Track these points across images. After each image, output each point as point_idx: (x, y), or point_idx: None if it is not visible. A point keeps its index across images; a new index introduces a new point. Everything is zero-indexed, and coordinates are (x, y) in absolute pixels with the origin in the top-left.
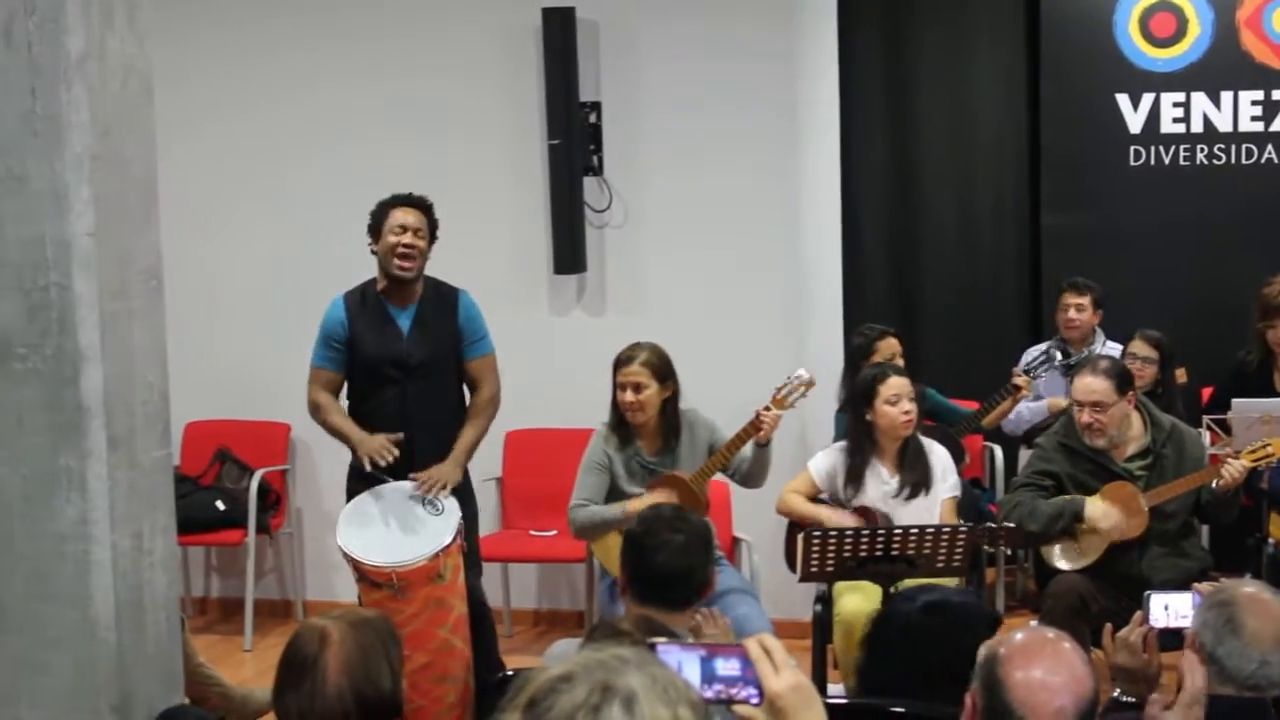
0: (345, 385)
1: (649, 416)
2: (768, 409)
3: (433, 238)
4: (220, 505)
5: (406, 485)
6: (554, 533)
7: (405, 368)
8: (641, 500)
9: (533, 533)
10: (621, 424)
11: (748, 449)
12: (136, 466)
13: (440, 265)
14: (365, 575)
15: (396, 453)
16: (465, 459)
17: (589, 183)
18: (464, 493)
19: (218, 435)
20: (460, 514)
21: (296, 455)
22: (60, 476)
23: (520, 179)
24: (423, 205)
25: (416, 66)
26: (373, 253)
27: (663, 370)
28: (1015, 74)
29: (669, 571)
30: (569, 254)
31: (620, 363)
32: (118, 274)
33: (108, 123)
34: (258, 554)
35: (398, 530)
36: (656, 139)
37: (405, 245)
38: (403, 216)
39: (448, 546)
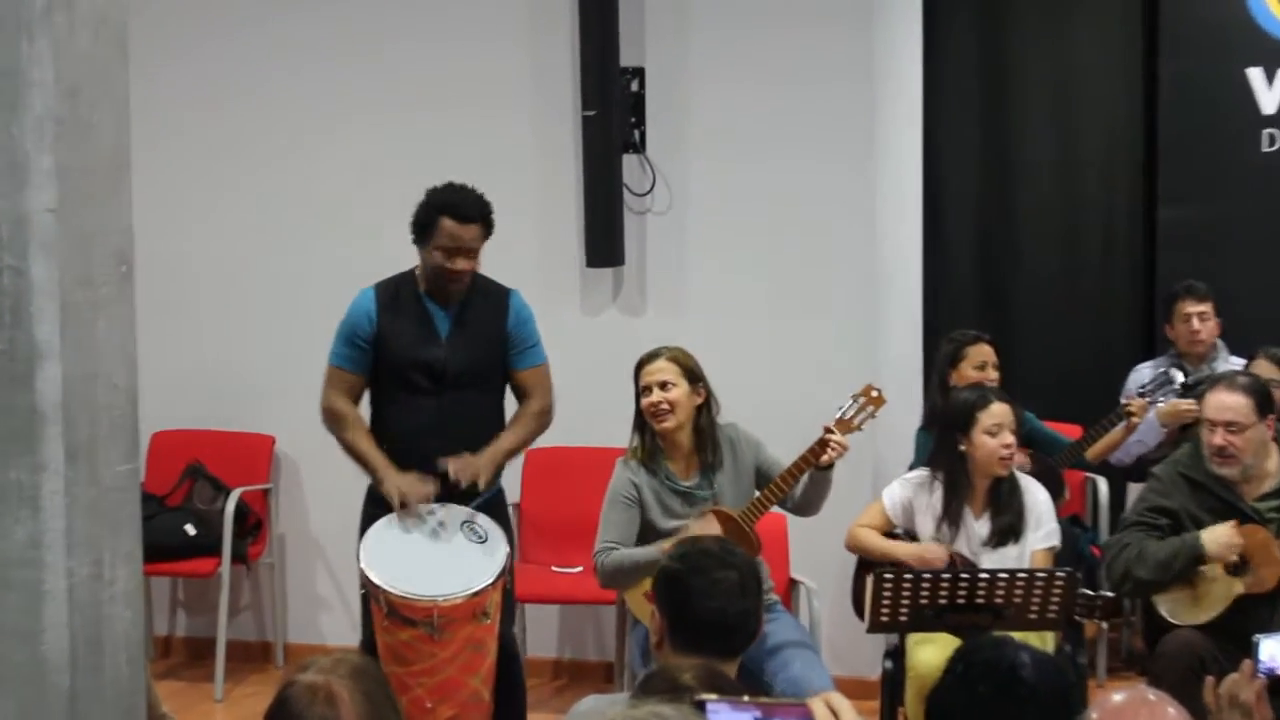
0: (367, 391)
1: (680, 423)
2: (831, 432)
3: (486, 237)
4: (190, 529)
5: (442, 508)
6: (579, 569)
7: (440, 377)
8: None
9: (555, 569)
10: (648, 443)
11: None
12: (98, 482)
13: None
14: (396, 610)
15: (432, 496)
16: (502, 461)
17: (628, 161)
18: (500, 515)
19: (189, 447)
20: (507, 542)
21: (281, 473)
22: (9, 492)
23: (548, 157)
24: (484, 218)
25: (427, 28)
26: (414, 242)
27: (692, 371)
28: (1129, 48)
29: (724, 617)
30: (604, 244)
31: (641, 363)
32: (82, 257)
33: (75, 82)
34: (233, 587)
35: (436, 558)
36: (708, 111)
37: (458, 271)
38: (461, 231)
39: (495, 580)
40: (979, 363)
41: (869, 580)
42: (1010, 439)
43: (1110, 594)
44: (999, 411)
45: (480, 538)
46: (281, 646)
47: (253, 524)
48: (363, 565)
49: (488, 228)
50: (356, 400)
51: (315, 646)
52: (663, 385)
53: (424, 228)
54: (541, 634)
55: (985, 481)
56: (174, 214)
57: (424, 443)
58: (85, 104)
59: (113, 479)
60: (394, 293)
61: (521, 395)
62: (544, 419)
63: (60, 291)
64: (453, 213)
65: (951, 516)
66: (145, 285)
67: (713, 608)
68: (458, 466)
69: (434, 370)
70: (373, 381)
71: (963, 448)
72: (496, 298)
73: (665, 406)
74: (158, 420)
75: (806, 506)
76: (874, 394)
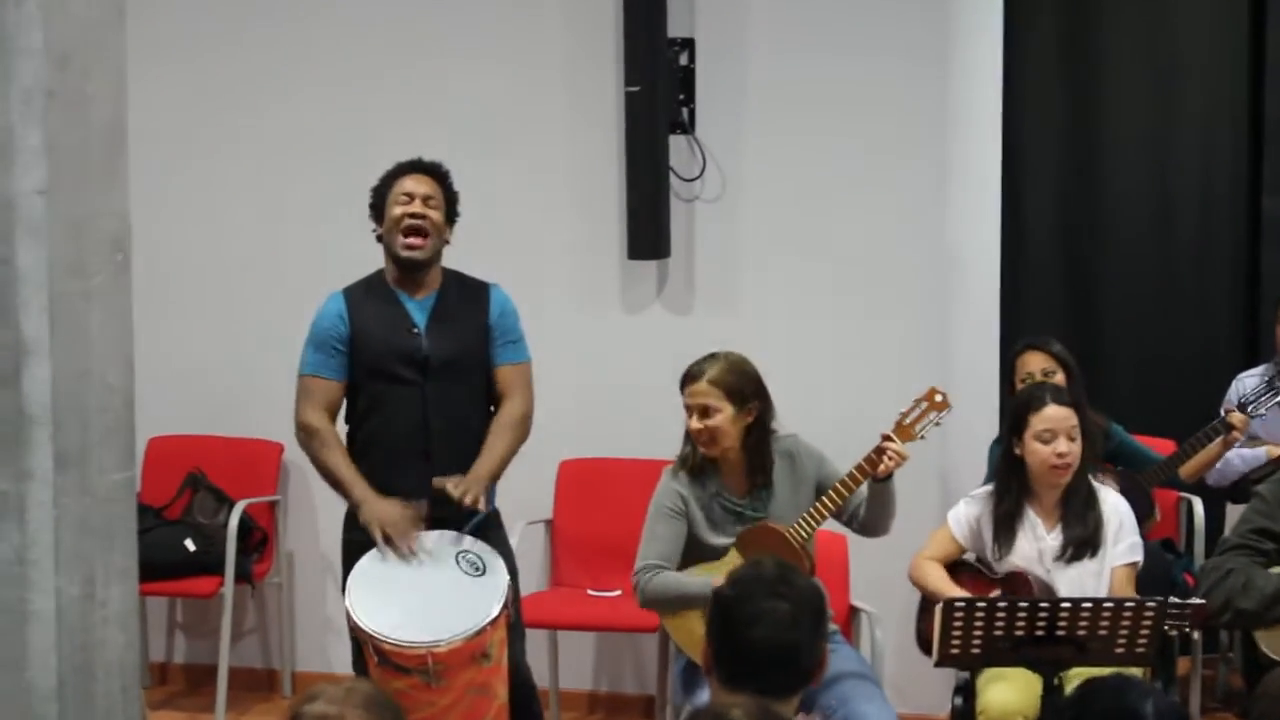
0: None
1: (725, 448)
2: (891, 438)
3: (451, 215)
4: (190, 545)
5: (433, 536)
6: (618, 593)
7: (423, 368)
8: (726, 568)
9: (591, 592)
10: (699, 454)
11: (864, 486)
12: (90, 492)
13: (483, 248)
14: (388, 658)
15: (419, 526)
16: (491, 478)
17: (676, 143)
18: (497, 538)
19: (189, 455)
20: (507, 573)
21: (289, 484)
22: None
23: (587, 137)
24: (436, 172)
25: None
26: (379, 239)
27: (740, 389)
28: (1233, 16)
29: (768, 649)
30: (648, 235)
31: (685, 379)
32: (74, 244)
33: (67, 49)
34: (236, 609)
35: (428, 597)
36: (764, 88)
37: (413, 216)
38: (411, 184)
39: (495, 618)
40: (1025, 374)
41: (938, 609)
42: (1065, 448)
43: (1200, 600)
44: (1053, 415)
45: (477, 569)
46: (289, 675)
47: (258, 540)
48: (348, 607)
49: (445, 189)
50: (334, 414)
51: (325, 675)
52: (703, 411)
53: (380, 199)
54: (576, 664)
55: (1052, 490)
56: (175, 199)
57: (414, 438)
58: (78, 74)
59: (106, 489)
60: (364, 290)
61: (499, 396)
62: (525, 426)
63: (50, 282)
64: (401, 171)
65: (1003, 529)
66: (143, 276)
67: (756, 638)
68: (460, 485)
69: (415, 359)
70: (350, 385)
71: (1018, 451)
72: (475, 290)
73: (705, 435)
74: (155, 425)
75: (872, 525)
76: (938, 398)
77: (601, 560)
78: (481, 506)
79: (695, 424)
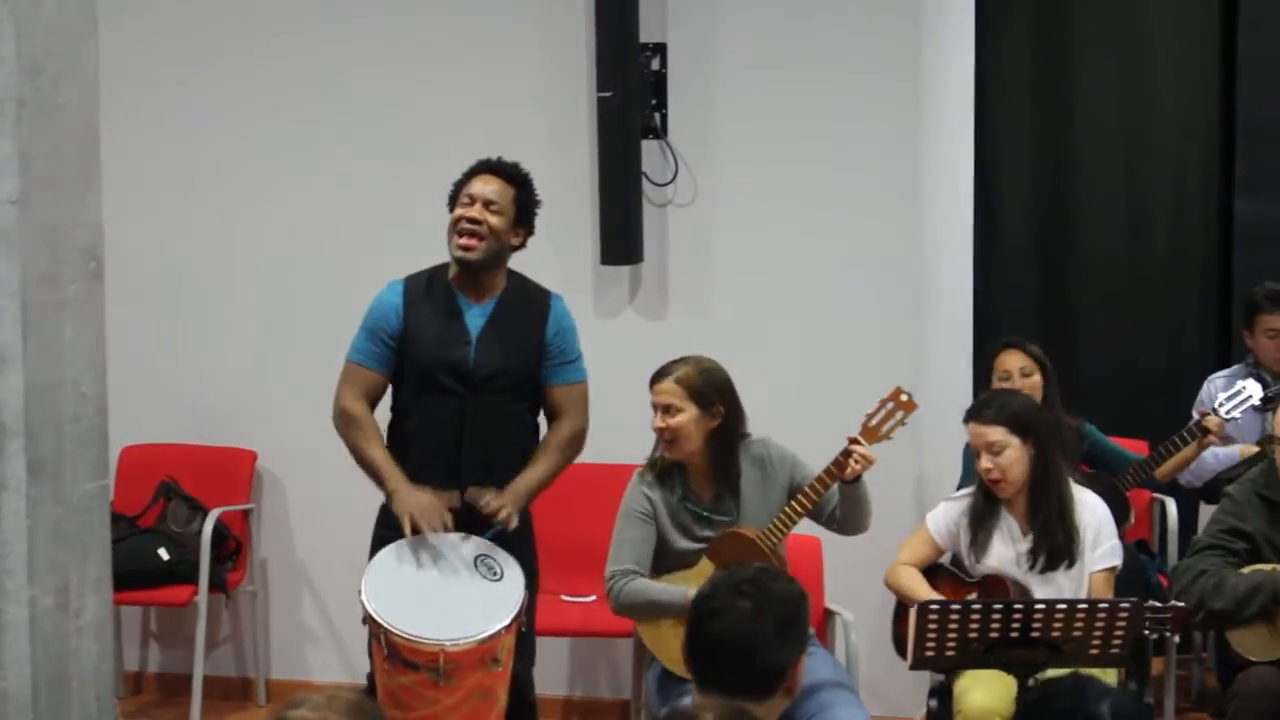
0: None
1: (688, 452)
2: (857, 441)
3: (523, 220)
4: (164, 554)
5: (453, 538)
6: (592, 598)
7: (467, 379)
8: (699, 576)
9: (565, 598)
10: (665, 458)
11: (835, 488)
12: (64, 502)
13: None
14: (398, 652)
15: (449, 525)
16: (527, 500)
17: (648, 148)
18: (524, 550)
19: (163, 463)
20: (525, 581)
21: (263, 492)
22: None
23: (559, 143)
24: (510, 175)
25: (425, 1)
26: None
27: (704, 392)
28: (1206, 20)
29: (722, 642)
30: (621, 240)
31: (653, 378)
32: (47, 253)
33: (39, 58)
34: (210, 617)
35: (445, 597)
36: (737, 93)
37: (470, 220)
38: (479, 186)
39: (509, 624)
40: (1002, 373)
41: (912, 611)
42: (987, 464)
43: (1180, 604)
44: (971, 431)
45: (495, 575)
46: (264, 683)
47: (232, 548)
48: (363, 597)
49: (520, 191)
50: (375, 403)
51: (301, 683)
52: (666, 409)
53: (455, 194)
54: (551, 670)
55: (1020, 498)
56: (146, 206)
57: (445, 450)
58: (50, 83)
59: (80, 498)
60: (425, 285)
61: (552, 414)
62: (575, 446)
63: (22, 291)
64: (475, 170)
65: (979, 530)
66: (116, 285)
67: (711, 629)
68: (498, 500)
69: (460, 371)
70: (396, 381)
71: None
72: (537, 300)
73: (668, 434)
74: (128, 433)
75: (849, 525)
76: (903, 398)
77: (575, 565)
78: (513, 524)
79: (659, 421)
